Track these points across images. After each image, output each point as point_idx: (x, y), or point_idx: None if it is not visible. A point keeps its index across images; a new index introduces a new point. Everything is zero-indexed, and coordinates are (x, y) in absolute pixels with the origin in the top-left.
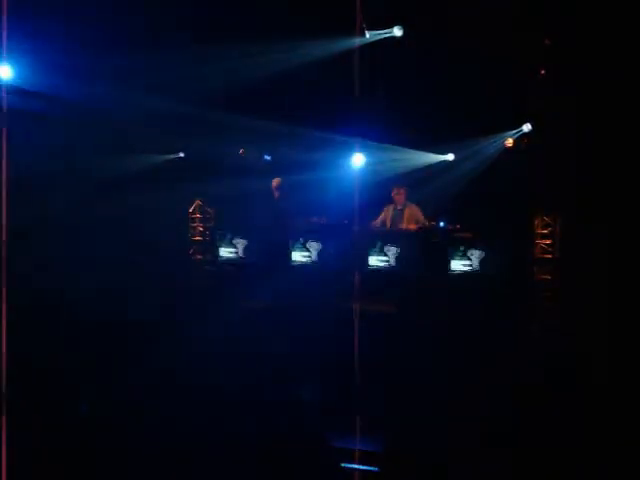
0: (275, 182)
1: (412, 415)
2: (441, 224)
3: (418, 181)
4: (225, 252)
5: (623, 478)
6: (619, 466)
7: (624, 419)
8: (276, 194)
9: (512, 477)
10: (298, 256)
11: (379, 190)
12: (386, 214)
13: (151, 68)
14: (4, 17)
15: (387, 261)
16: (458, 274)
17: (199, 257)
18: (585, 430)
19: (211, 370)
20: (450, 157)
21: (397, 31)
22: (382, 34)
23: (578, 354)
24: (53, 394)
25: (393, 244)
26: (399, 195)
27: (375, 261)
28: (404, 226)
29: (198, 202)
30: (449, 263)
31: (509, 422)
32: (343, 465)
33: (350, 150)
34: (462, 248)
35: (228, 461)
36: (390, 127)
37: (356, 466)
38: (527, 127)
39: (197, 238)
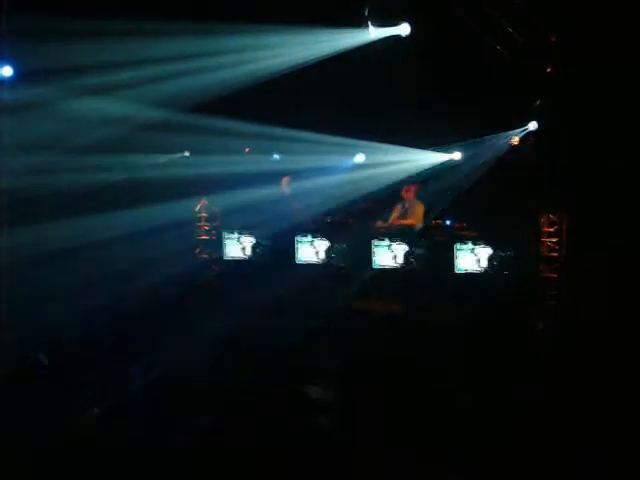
0: (285, 180)
1: (412, 412)
2: (447, 222)
3: (425, 180)
4: (232, 251)
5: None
6: (617, 462)
7: (626, 417)
8: (285, 192)
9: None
10: (305, 255)
11: (387, 190)
12: (395, 212)
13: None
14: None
15: (394, 259)
16: (464, 273)
17: (205, 256)
18: (585, 429)
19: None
20: (456, 156)
21: (403, 29)
22: (387, 32)
23: (582, 351)
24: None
25: (401, 243)
26: (409, 192)
27: (382, 259)
28: (415, 225)
29: (204, 201)
30: (455, 261)
31: (509, 421)
32: None
33: (355, 150)
34: (468, 246)
35: (235, 460)
36: (395, 127)
37: None
38: (533, 125)
39: (203, 237)
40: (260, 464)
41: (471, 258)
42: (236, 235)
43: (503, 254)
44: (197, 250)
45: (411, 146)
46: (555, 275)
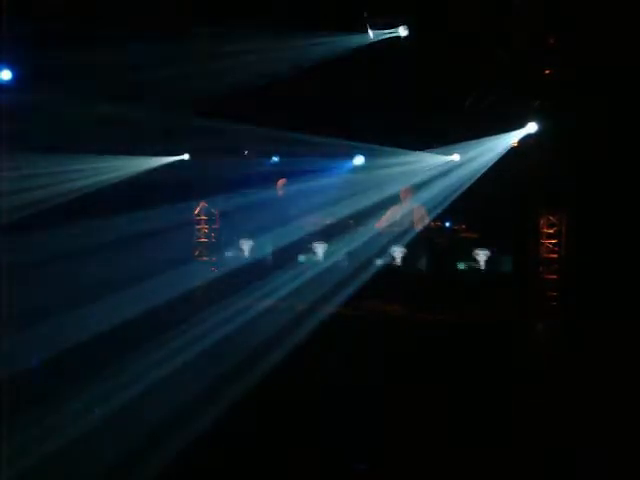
0: (280, 183)
1: (412, 414)
2: (447, 224)
3: (424, 182)
4: (231, 253)
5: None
6: (616, 462)
7: (626, 417)
8: (280, 193)
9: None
10: (304, 257)
11: (384, 192)
12: (393, 215)
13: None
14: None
15: (394, 261)
16: (464, 273)
17: (204, 258)
18: (585, 429)
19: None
20: (456, 158)
21: (402, 31)
22: (386, 34)
23: (582, 352)
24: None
25: (401, 245)
26: (407, 195)
27: (382, 261)
28: (414, 226)
29: (203, 204)
30: (455, 263)
31: (509, 422)
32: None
33: (354, 152)
34: (468, 248)
35: (236, 462)
36: (394, 129)
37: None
38: (532, 127)
39: (202, 240)
40: (260, 465)
41: (470, 259)
42: (235, 238)
43: (502, 255)
44: (196, 252)
45: (410, 148)
46: (554, 276)
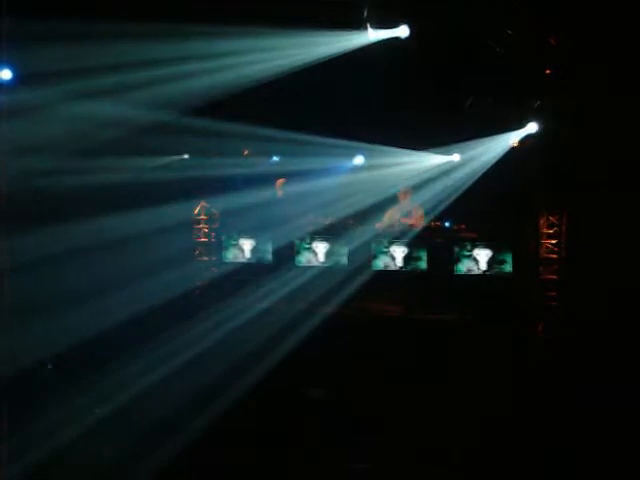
0: (279, 182)
1: (412, 413)
2: (446, 224)
3: (424, 182)
4: (231, 253)
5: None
6: (617, 464)
7: (626, 417)
8: (279, 193)
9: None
10: (304, 257)
11: (384, 192)
12: (392, 215)
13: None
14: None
15: (394, 261)
16: (464, 273)
17: (205, 258)
18: (585, 429)
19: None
20: (456, 158)
21: (402, 31)
22: (386, 34)
23: (582, 352)
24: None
25: (401, 244)
26: (405, 196)
27: (382, 261)
28: (414, 226)
29: (203, 204)
30: (455, 263)
31: (510, 421)
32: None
33: (353, 153)
34: (468, 248)
35: (237, 461)
36: (393, 129)
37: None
38: (532, 127)
39: (202, 239)
40: (260, 463)
41: (470, 260)
42: (235, 238)
43: (502, 255)
44: (196, 252)
45: (410, 148)
46: (555, 276)
